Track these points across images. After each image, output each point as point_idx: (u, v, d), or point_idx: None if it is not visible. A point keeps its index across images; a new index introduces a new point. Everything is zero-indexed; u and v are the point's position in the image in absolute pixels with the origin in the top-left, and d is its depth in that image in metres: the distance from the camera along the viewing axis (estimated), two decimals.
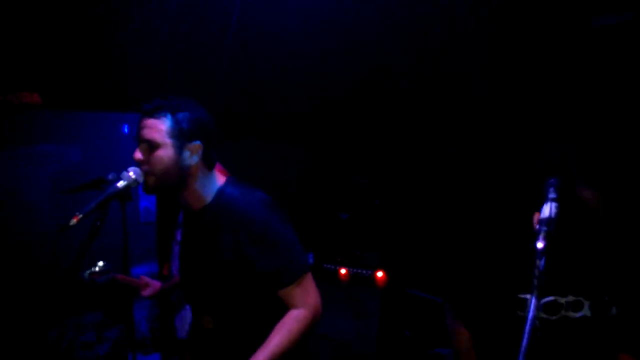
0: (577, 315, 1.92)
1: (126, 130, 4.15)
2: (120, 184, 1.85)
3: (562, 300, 1.93)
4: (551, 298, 1.93)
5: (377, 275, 3.97)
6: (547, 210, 1.70)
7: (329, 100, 4.45)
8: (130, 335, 3.75)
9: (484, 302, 2.06)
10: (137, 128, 1.88)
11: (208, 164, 1.93)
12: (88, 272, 3.14)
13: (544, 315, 1.94)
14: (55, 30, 3.63)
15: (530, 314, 1.57)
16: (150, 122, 1.85)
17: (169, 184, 1.89)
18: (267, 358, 1.81)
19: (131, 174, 1.86)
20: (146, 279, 2.46)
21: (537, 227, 1.67)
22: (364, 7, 3.62)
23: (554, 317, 1.92)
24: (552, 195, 1.75)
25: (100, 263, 3.31)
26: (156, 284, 2.45)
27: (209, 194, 1.95)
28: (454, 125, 4.08)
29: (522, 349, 1.56)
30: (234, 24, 3.75)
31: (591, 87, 3.27)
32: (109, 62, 3.86)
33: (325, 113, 4.58)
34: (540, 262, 1.61)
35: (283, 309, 1.90)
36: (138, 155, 1.86)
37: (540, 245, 1.62)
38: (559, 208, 1.70)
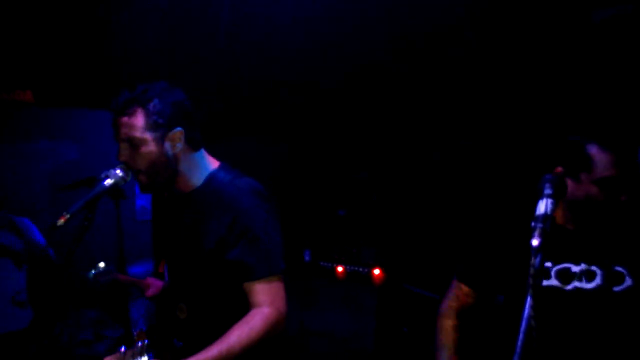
0: (589, 286, 1.87)
1: None
2: (108, 182, 1.80)
3: (576, 268, 1.89)
4: (565, 265, 1.90)
5: (374, 273, 3.94)
6: (543, 206, 1.67)
7: (327, 95, 4.41)
8: (127, 334, 3.74)
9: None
10: (114, 128, 1.84)
11: (192, 145, 1.89)
12: (92, 273, 3.13)
13: (556, 284, 1.90)
14: (49, 28, 3.61)
15: (526, 313, 1.54)
16: (124, 120, 1.80)
17: (161, 178, 1.85)
18: (222, 351, 1.72)
19: (118, 171, 1.82)
20: (150, 280, 2.43)
21: (533, 223, 1.64)
22: None
23: (567, 288, 1.88)
24: (547, 191, 1.72)
25: (102, 264, 3.31)
26: (158, 284, 2.42)
27: (198, 177, 1.90)
28: (453, 121, 4.05)
29: (518, 349, 1.54)
30: (225, 20, 3.71)
31: (592, 81, 3.23)
32: (103, 60, 3.83)
33: (323, 108, 4.55)
34: (536, 260, 1.58)
35: None
36: (122, 156, 1.83)
37: (535, 242, 1.58)
38: (554, 204, 1.67)
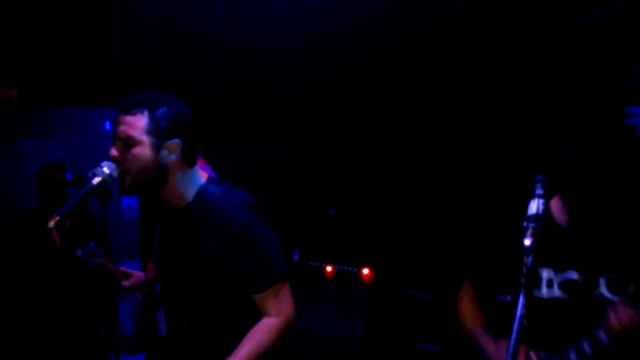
0: (593, 294, 1.86)
1: (108, 126, 4.10)
2: (96, 180, 1.78)
3: (578, 277, 1.88)
4: (567, 274, 1.89)
5: (363, 273, 3.94)
6: (535, 206, 1.67)
7: (318, 95, 4.41)
8: (114, 334, 3.70)
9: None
10: (113, 125, 1.81)
11: (188, 161, 1.87)
12: (82, 251, 3.12)
13: (559, 295, 1.88)
14: (34, 24, 3.56)
15: (519, 312, 1.55)
16: (127, 118, 1.77)
17: (146, 184, 1.82)
18: None
19: (105, 169, 1.79)
20: (126, 269, 2.39)
21: (525, 223, 1.64)
22: None
23: (569, 299, 1.87)
24: (539, 191, 1.72)
25: (92, 244, 3.30)
26: (140, 275, 2.40)
27: (190, 193, 1.89)
28: (445, 122, 4.07)
29: (510, 348, 1.54)
30: (221, 15, 3.68)
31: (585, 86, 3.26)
32: (90, 57, 3.79)
33: (314, 108, 4.54)
34: (528, 260, 1.58)
35: (257, 315, 1.85)
36: (114, 152, 1.79)
37: (527, 242, 1.58)
38: (545, 204, 1.68)
